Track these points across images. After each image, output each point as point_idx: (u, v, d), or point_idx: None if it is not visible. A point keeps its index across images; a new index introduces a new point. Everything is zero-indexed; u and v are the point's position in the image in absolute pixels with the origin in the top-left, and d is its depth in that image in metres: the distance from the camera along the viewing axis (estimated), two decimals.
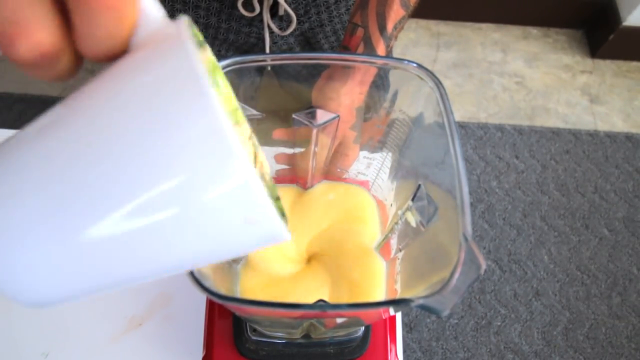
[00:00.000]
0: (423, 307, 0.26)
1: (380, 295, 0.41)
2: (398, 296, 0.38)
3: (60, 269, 0.18)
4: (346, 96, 0.45)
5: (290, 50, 0.71)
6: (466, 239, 0.28)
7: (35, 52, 0.18)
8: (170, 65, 0.17)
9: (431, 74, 0.34)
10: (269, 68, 0.37)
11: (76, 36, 0.18)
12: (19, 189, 0.18)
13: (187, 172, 0.17)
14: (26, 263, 0.18)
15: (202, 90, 0.16)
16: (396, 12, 0.51)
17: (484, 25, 1.64)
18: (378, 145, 0.45)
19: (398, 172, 0.43)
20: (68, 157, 0.17)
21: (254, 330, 0.44)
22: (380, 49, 0.52)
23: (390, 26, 0.51)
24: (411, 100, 0.38)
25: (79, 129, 0.18)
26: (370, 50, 0.52)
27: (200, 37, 0.21)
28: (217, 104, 0.16)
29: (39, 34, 0.17)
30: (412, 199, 0.38)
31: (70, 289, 0.19)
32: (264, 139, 0.43)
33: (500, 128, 1.46)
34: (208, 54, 0.21)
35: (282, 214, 0.24)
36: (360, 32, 0.52)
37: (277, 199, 0.25)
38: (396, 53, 1.56)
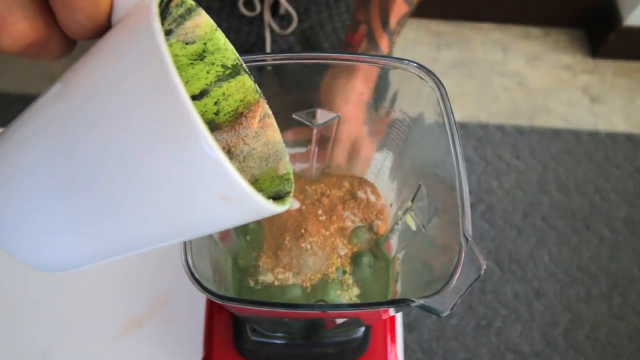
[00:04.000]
0: (423, 308, 0.26)
1: (386, 294, 0.40)
2: (398, 296, 0.38)
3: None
4: (353, 92, 0.45)
5: (290, 49, 0.71)
6: (466, 239, 0.28)
7: (20, 42, 0.19)
8: (133, 38, 0.17)
9: (431, 74, 0.34)
10: (270, 68, 0.37)
11: (59, 21, 0.19)
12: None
13: (153, 147, 0.17)
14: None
15: (160, 55, 0.16)
16: (399, 7, 0.51)
17: (484, 25, 1.64)
18: (378, 145, 0.44)
19: (398, 172, 0.43)
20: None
21: (254, 330, 0.44)
22: (384, 45, 0.51)
23: (393, 21, 0.51)
24: (411, 100, 0.38)
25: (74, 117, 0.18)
26: (373, 46, 0.51)
27: (192, 2, 0.21)
28: (173, 71, 0.16)
29: (19, 26, 0.18)
30: (413, 200, 0.38)
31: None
32: None
33: (500, 128, 1.46)
34: (199, 20, 0.22)
35: (285, 189, 0.24)
36: (363, 28, 0.52)
37: (281, 176, 0.25)
38: (396, 53, 1.56)
